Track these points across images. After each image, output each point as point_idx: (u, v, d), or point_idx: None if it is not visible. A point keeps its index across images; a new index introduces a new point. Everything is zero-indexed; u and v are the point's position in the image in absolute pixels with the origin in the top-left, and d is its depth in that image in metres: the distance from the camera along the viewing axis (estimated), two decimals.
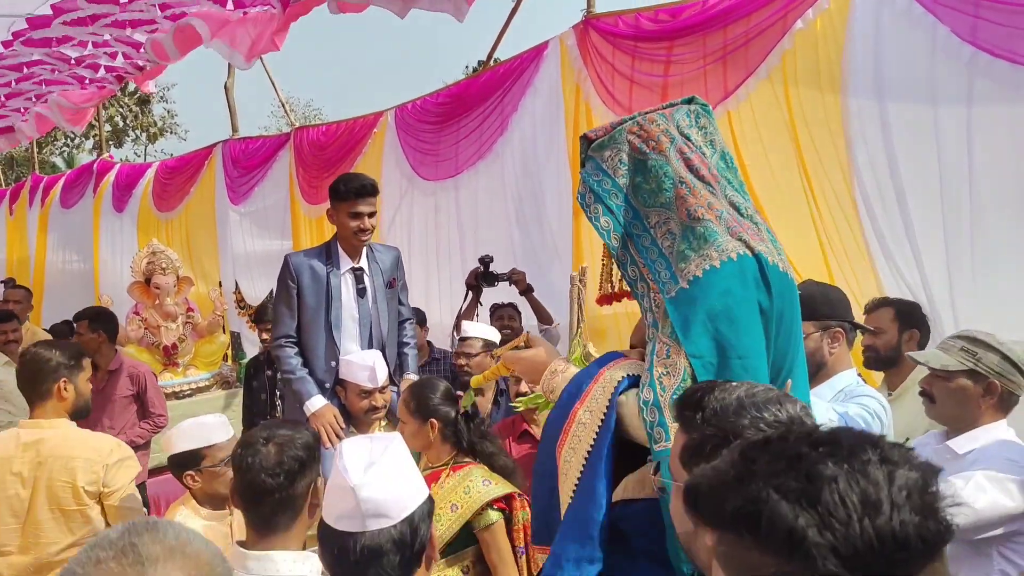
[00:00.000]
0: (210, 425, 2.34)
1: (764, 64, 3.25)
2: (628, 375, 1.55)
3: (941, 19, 2.67)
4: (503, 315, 4.11)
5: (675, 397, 1.43)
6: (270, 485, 1.60)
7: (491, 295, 4.25)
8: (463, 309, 4.15)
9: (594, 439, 1.50)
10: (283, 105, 6.98)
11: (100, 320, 4.31)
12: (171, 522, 0.88)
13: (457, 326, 3.96)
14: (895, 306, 2.76)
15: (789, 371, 1.52)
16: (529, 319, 4.15)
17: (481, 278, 4.10)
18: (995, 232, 2.77)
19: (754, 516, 0.71)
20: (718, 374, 1.42)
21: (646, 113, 1.60)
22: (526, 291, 4.05)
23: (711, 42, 3.41)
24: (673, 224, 1.51)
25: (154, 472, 4.37)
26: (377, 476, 1.33)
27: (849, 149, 3.11)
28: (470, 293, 4.18)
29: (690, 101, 1.65)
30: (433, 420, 2.38)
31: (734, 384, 1.20)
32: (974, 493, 1.78)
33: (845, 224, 3.20)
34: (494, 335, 3.56)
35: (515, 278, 4.05)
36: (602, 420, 1.51)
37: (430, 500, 1.42)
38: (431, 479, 2.27)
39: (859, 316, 2.99)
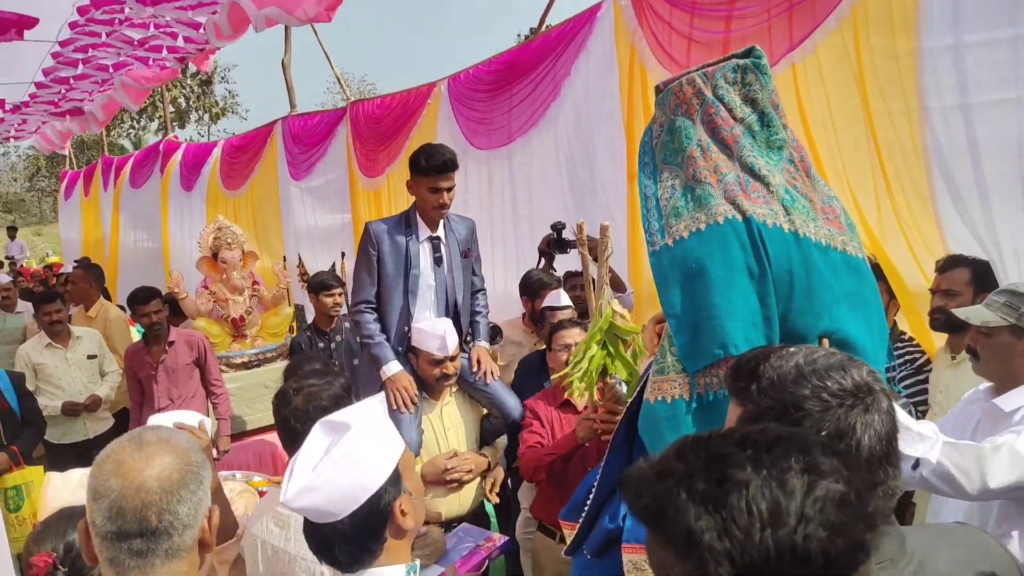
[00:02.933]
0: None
1: (834, 13, 3.09)
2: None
3: None
4: (576, 284, 4.08)
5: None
6: (299, 431, 1.77)
7: (564, 262, 4.22)
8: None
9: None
10: (339, 80, 7.03)
11: (163, 297, 4.68)
12: (165, 427, 1.34)
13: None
14: (972, 267, 2.66)
15: (826, 332, 1.50)
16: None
17: (554, 245, 4.09)
18: None
19: (660, 514, 0.72)
20: (690, 332, 1.48)
21: (691, 72, 1.63)
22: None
23: None
24: (678, 182, 1.59)
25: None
26: (315, 483, 1.30)
27: (921, 98, 2.95)
28: (543, 259, 4.16)
29: (748, 53, 1.63)
30: None
31: (791, 350, 1.12)
32: (1009, 460, 1.75)
33: (909, 179, 3.07)
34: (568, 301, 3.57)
35: (590, 244, 3.99)
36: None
37: (395, 475, 1.36)
38: None
39: (929, 275, 2.87)
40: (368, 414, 1.38)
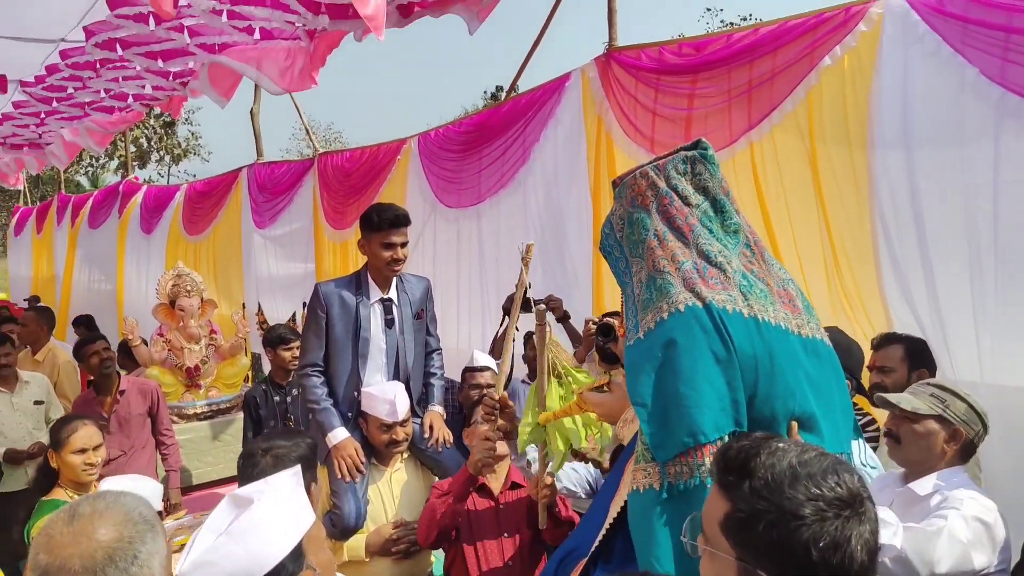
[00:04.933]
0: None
1: (790, 98, 3.26)
2: None
3: (970, 60, 2.68)
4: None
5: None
6: None
7: (526, 322, 4.25)
8: (499, 334, 4.14)
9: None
10: (307, 131, 7.09)
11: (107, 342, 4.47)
12: (114, 492, 1.31)
13: (493, 350, 3.95)
14: (905, 344, 2.76)
15: (792, 415, 1.53)
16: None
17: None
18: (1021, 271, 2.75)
19: None
20: (660, 421, 1.48)
21: (644, 166, 1.69)
22: (563, 318, 4.02)
23: (736, 77, 3.43)
24: (644, 274, 1.62)
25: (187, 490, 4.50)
26: (210, 557, 1.31)
27: (871, 185, 3.11)
28: (506, 318, 4.18)
29: (695, 146, 1.70)
30: None
31: (782, 446, 1.11)
32: (948, 545, 1.82)
33: (858, 258, 3.20)
34: (493, 364, 3.53)
35: (552, 304, 4.02)
36: None
37: (296, 551, 1.36)
38: None
39: (866, 351, 2.98)
40: (277, 488, 1.39)
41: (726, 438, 1.46)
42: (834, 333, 2.46)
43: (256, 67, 5.12)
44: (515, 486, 2.64)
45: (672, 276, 1.56)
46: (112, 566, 1.19)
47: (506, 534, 2.54)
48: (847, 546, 1.03)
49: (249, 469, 1.91)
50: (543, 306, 2.23)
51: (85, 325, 7.08)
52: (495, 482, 2.63)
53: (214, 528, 1.34)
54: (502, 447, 2.51)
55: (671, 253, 1.59)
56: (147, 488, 2.40)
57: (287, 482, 1.41)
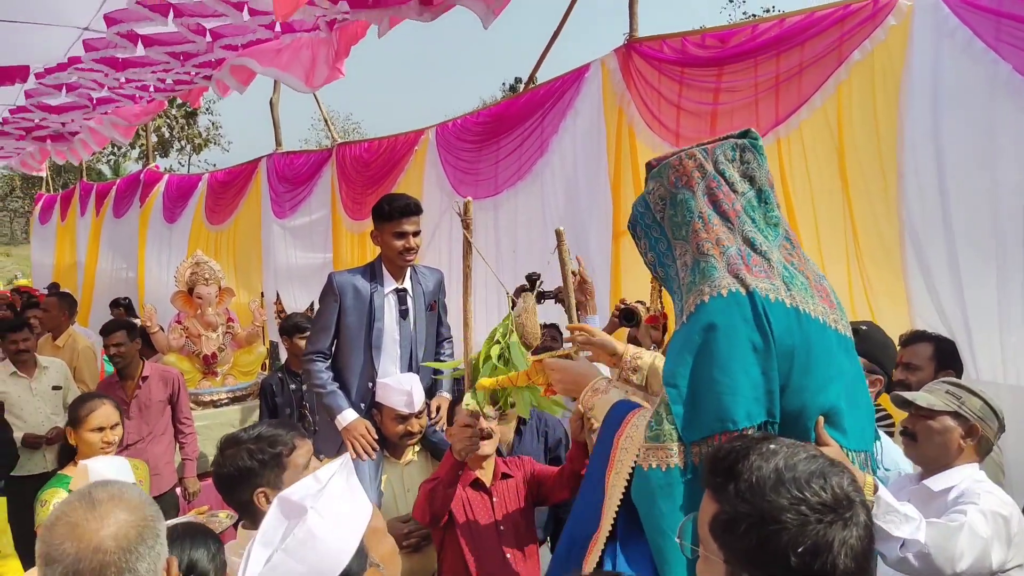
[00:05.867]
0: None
1: (819, 93, 3.20)
2: None
3: (1003, 56, 2.61)
4: (545, 335, 4.08)
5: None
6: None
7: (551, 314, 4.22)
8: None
9: (634, 464, 1.55)
10: (326, 122, 7.09)
11: (131, 330, 4.47)
12: (119, 481, 1.33)
13: None
14: (935, 343, 2.74)
15: (821, 409, 1.51)
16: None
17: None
18: None
19: None
20: (690, 404, 1.48)
21: (691, 148, 1.67)
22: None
23: (763, 70, 3.37)
24: (688, 257, 1.61)
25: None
26: (276, 565, 1.24)
27: (900, 181, 3.06)
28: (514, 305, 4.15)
29: (745, 134, 1.68)
30: None
31: (772, 448, 1.09)
32: (969, 541, 1.81)
33: (883, 254, 3.15)
34: None
35: (562, 297, 4.02)
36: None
37: (359, 552, 1.31)
38: None
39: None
40: (329, 487, 1.30)
41: (757, 427, 1.44)
42: (872, 329, 2.43)
43: (281, 69, 5.13)
44: (505, 476, 2.63)
45: (716, 260, 1.55)
46: (143, 544, 1.22)
47: (503, 528, 2.53)
48: (828, 552, 1.00)
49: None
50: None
51: (125, 308, 7.12)
52: (485, 475, 2.61)
53: (267, 541, 1.26)
54: (488, 446, 2.52)
55: (716, 237, 1.57)
56: (121, 467, 2.48)
57: (338, 475, 1.32)
